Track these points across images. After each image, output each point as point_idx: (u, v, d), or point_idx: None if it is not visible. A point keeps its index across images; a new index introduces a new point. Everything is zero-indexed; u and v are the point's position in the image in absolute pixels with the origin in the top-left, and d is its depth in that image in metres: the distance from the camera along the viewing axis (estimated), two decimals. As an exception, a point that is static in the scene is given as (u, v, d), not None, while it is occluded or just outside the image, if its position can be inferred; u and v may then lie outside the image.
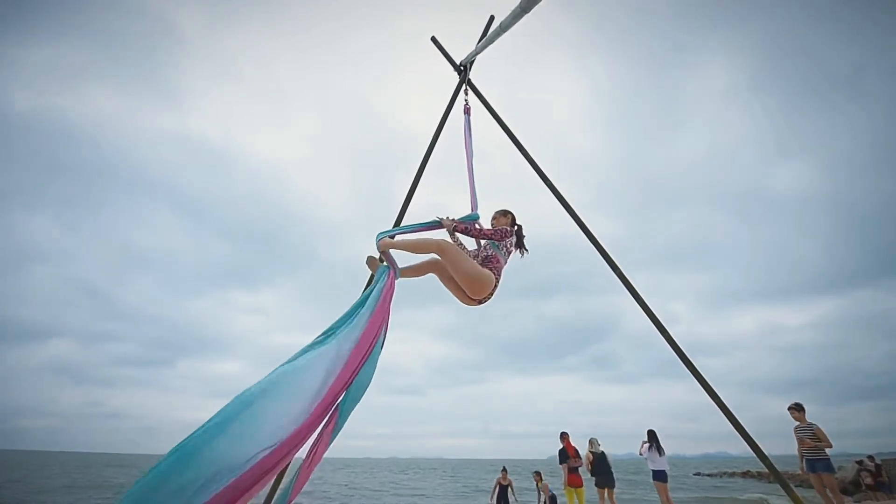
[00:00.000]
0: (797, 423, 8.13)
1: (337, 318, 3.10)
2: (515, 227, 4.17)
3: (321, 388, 2.59)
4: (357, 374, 2.85)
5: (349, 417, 2.80)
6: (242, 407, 2.44)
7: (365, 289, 3.91)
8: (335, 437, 2.80)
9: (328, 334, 2.95)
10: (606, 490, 9.81)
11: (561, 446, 10.20)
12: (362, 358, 2.91)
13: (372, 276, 4.00)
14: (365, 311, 3.12)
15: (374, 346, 3.05)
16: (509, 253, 3.95)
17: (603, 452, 10.09)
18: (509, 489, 11.56)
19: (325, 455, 2.78)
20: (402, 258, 3.70)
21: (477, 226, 4.20)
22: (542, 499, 11.41)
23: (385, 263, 3.66)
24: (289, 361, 2.64)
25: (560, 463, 10.10)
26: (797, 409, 8.19)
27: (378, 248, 3.77)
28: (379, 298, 3.25)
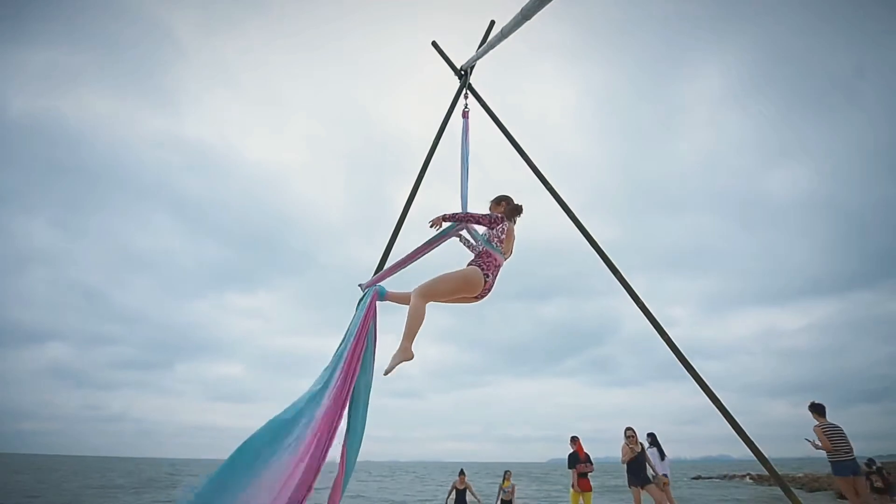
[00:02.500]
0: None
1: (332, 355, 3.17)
2: (511, 209, 3.93)
3: (303, 432, 2.59)
4: (344, 408, 2.94)
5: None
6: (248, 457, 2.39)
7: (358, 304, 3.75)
8: (348, 477, 2.99)
9: (323, 377, 3.01)
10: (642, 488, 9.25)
11: (572, 450, 10.07)
12: (347, 392, 2.95)
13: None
14: (347, 344, 3.17)
15: (357, 377, 3.09)
16: (501, 242, 3.72)
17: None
18: (468, 493, 11.12)
19: (325, 460, 2.86)
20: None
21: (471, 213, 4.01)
22: (500, 498, 11.09)
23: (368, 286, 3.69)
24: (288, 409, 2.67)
25: (570, 467, 9.97)
26: (810, 409, 7.49)
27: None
28: (358, 325, 3.27)
